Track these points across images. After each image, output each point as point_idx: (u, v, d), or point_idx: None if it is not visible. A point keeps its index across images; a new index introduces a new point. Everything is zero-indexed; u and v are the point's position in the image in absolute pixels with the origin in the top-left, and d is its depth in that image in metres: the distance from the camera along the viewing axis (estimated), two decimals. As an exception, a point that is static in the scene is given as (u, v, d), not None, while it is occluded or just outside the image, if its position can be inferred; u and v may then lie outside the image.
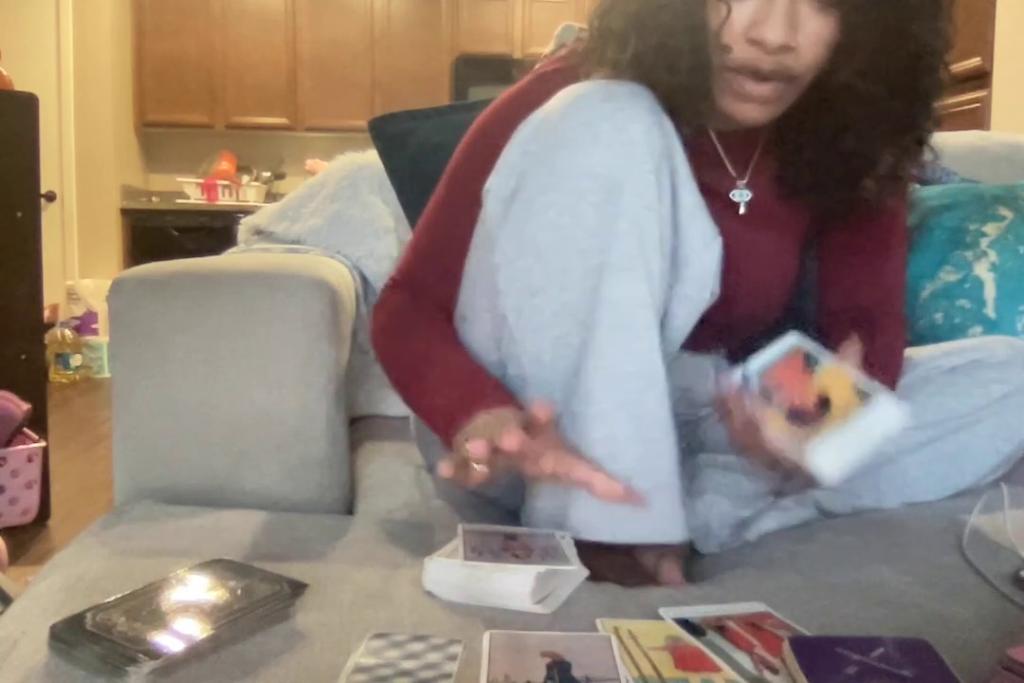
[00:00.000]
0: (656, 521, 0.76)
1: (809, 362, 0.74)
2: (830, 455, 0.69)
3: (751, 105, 0.80)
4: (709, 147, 0.90)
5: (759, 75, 0.77)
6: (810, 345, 0.76)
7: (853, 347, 0.79)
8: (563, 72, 0.86)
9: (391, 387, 0.89)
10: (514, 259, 0.77)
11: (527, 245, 0.76)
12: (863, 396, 0.70)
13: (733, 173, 0.92)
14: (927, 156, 0.88)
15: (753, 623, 0.64)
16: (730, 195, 0.91)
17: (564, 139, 0.74)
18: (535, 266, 0.75)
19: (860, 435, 0.69)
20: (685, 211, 0.77)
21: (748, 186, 0.92)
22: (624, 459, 0.74)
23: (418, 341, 0.86)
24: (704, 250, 0.78)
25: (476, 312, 0.83)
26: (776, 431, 0.72)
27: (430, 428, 0.81)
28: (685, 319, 0.80)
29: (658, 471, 0.75)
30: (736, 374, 0.76)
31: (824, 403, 0.71)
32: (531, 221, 0.75)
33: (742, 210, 0.92)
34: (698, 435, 0.99)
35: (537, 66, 0.92)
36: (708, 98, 0.79)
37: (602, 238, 0.73)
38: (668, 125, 0.76)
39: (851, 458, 0.69)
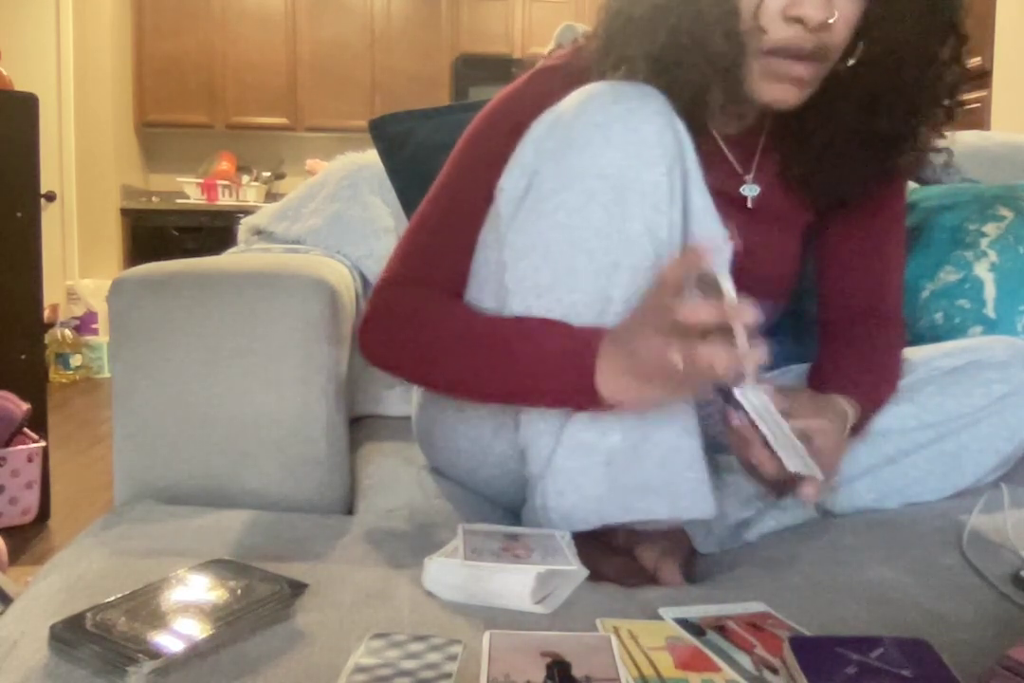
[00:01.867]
0: (690, 498, 0.77)
1: None
2: (782, 454, 0.71)
3: (787, 87, 0.80)
4: (714, 147, 0.90)
5: (799, 54, 0.78)
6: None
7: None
8: (562, 69, 0.86)
9: (403, 387, 0.88)
10: (523, 258, 0.76)
11: (537, 245, 0.76)
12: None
13: (740, 170, 0.92)
14: (944, 137, 0.89)
15: (753, 623, 0.64)
16: (740, 190, 0.92)
17: (576, 140, 0.74)
18: (544, 266, 0.75)
19: (776, 426, 0.72)
20: (695, 214, 0.78)
21: (755, 182, 0.92)
22: (656, 439, 0.75)
23: (471, 321, 0.81)
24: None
25: (483, 311, 0.83)
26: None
27: (542, 403, 0.77)
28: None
29: (686, 449, 0.77)
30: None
31: None
32: (541, 221, 0.75)
33: (750, 204, 0.92)
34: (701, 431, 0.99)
35: (537, 65, 0.92)
36: (738, 84, 0.80)
37: (611, 239, 0.73)
38: (680, 127, 0.76)
39: (790, 451, 0.72)
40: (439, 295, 0.84)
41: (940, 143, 0.90)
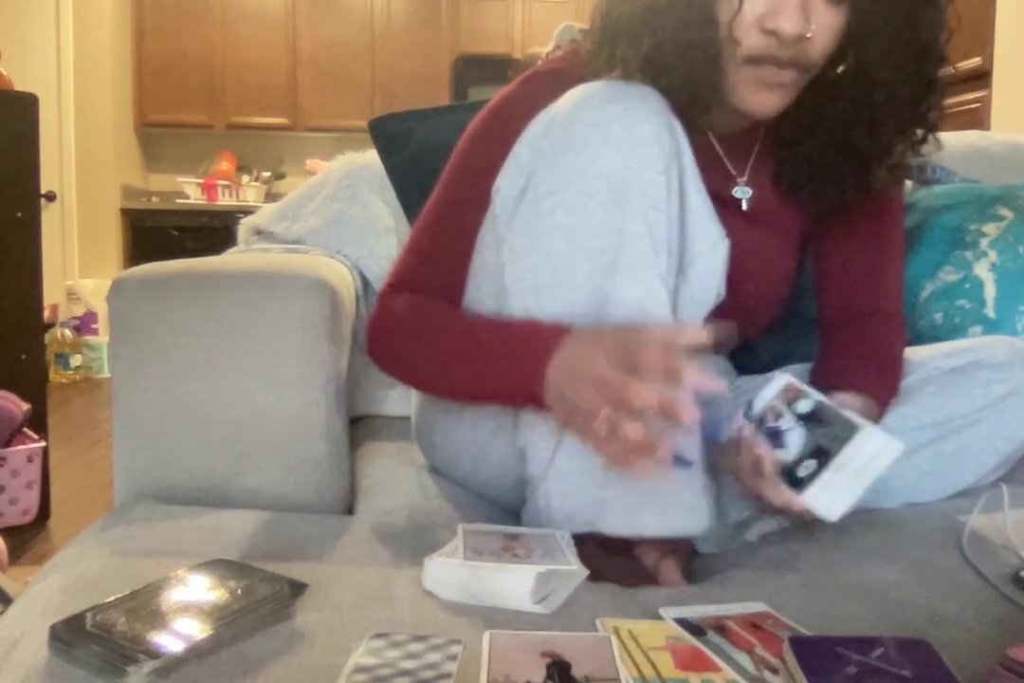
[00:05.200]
0: (686, 514, 0.77)
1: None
2: (826, 498, 0.71)
3: (767, 94, 0.80)
4: (708, 148, 0.90)
5: (778, 62, 0.77)
6: (800, 384, 0.78)
7: (850, 399, 0.80)
8: (561, 72, 0.86)
9: (403, 387, 0.89)
10: (521, 258, 0.77)
11: (535, 245, 0.76)
12: (852, 431, 0.72)
13: (733, 172, 0.92)
14: (931, 147, 0.88)
15: (753, 623, 0.64)
16: (732, 192, 0.92)
17: (572, 140, 0.74)
18: (542, 266, 0.75)
19: (854, 473, 0.71)
20: (692, 212, 0.78)
21: (748, 184, 0.92)
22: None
23: (452, 325, 0.83)
24: (710, 252, 0.78)
25: (483, 312, 0.83)
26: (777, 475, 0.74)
27: (501, 403, 0.79)
28: (690, 321, 0.80)
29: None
30: (739, 418, 0.78)
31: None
32: (539, 221, 0.75)
33: (744, 206, 0.92)
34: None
35: (535, 66, 0.92)
36: (720, 91, 0.79)
37: (610, 238, 0.73)
38: (677, 126, 0.76)
39: (848, 497, 0.71)
40: (437, 303, 0.85)
41: (919, 158, 0.89)
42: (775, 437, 0.75)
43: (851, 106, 0.83)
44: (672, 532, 0.78)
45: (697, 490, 0.77)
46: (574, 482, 0.77)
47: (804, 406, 0.76)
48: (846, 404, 0.78)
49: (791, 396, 0.77)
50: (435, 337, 0.83)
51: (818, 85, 0.82)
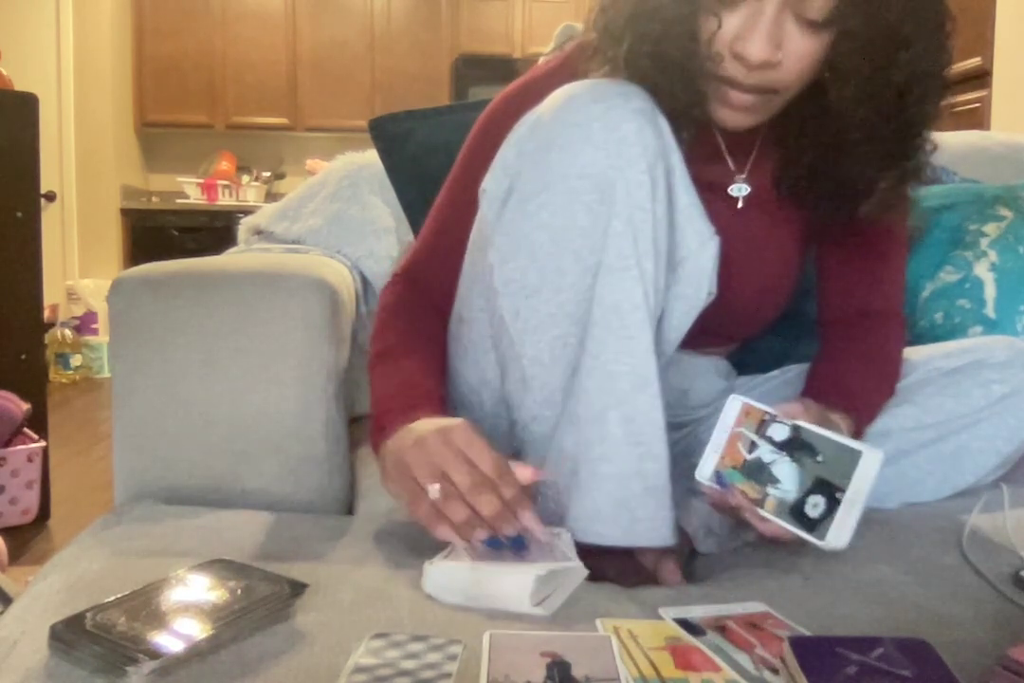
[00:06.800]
0: (646, 525, 0.75)
1: (761, 426, 0.74)
2: (845, 534, 0.68)
3: (734, 112, 0.80)
4: (710, 141, 0.89)
5: (741, 87, 0.77)
6: (756, 404, 0.75)
7: (808, 407, 0.78)
8: (563, 70, 0.86)
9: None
10: (509, 260, 0.77)
11: (522, 246, 0.76)
12: (853, 456, 0.69)
13: (733, 167, 0.92)
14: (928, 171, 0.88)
15: (753, 623, 0.64)
16: (728, 190, 0.91)
17: (556, 140, 0.74)
18: (530, 267, 0.75)
19: (862, 498, 0.69)
20: (681, 210, 0.77)
21: (747, 181, 0.92)
22: (617, 461, 0.74)
23: (395, 335, 0.88)
24: (700, 249, 0.78)
25: (473, 312, 0.83)
26: (773, 518, 0.72)
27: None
28: (683, 319, 0.80)
29: (649, 474, 0.75)
30: (704, 479, 0.76)
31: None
32: (525, 222, 0.75)
33: (740, 205, 0.92)
34: (698, 435, 0.99)
35: (539, 62, 0.93)
36: (700, 103, 0.79)
37: (596, 238, 0.73)
38: (663, 124, 0.75)
39: (853, 522, 0.69)
40: (417, 305, 0.89)
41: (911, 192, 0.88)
42: (760, 472, 0.71)
43: (837, 133, 0.82)
44: (630, 543, 0.76)
45: (662, 504, 0.75)
46: (551, 485, 0.77)
47: (780, 433, 0.72)
48: (824, 417, 0.76)
49: (755, 420, 0.74)
50: (384, 340, 0.87)
51: (824, 98, 0.81)
